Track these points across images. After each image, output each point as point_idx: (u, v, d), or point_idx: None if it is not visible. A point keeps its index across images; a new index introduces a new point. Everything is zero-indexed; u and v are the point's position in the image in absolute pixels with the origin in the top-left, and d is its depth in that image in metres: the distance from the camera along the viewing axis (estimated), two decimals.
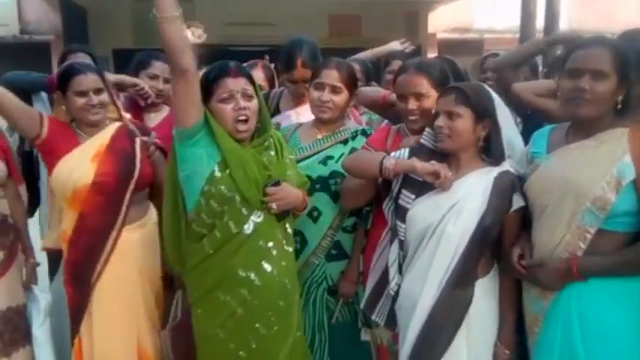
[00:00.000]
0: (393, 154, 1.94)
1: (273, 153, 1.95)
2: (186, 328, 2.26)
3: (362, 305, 2.10)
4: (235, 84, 1.84)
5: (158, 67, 2.68)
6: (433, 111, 1.88)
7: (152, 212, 2.30)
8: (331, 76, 2.17)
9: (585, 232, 1.61)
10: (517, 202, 1.78)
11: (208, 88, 1.86)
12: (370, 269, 2.10)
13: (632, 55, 1.64)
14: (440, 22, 8.92)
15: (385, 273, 1.99)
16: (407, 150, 1.94)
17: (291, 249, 1.98)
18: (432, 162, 1.82)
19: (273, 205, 1.86)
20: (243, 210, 1.85)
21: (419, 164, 1.82)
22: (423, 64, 2.07)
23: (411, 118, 2.03)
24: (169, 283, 2.34)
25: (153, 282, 2.27)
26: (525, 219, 1.80)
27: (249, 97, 1.86)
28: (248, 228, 1.86)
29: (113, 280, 2.14)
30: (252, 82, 1.90)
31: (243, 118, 1.84)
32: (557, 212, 1.66)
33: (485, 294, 1.80)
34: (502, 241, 1.83)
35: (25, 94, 2.52)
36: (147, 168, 2.22)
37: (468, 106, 1.78)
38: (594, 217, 1.60)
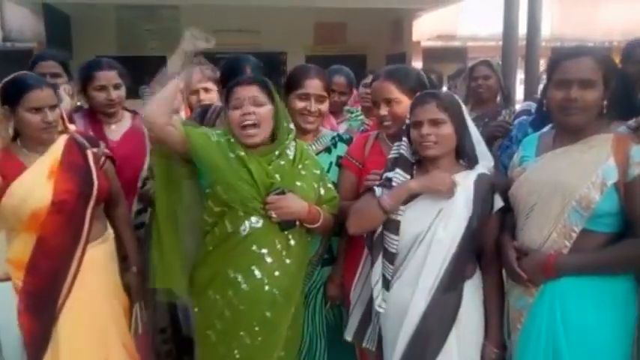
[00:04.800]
0: (369, 176, 1.96)
1: (283, 162, 1.94)
2: (146, 344, 2.24)
3: (348, 336, 2.07)
4: (246, 91, 1.89)
5: (102, 77, 2.53)
6: (407, 122, 1.88)
7: (109, 226, 2.22)
8: (315, 85, 2.18)
9: (571, 231, 1.67)
10: (498, 202, 1.83)
11: (227, 97, 1.93)
12: (353, 286, 2.05)
13: (611, 62, 1.70)
14: (424, 30, 8.99)
15: (371, 301, 1.96)
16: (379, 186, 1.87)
17: (290, 261, 1.93)
18: (432, 174, 1.81)
19: (273, 214, 1.87)
20: (240, 212, 1.88)
21: (414, 184, 1.82)
22: (392, 70, 2.11)
23: (385, 123, 2.07)
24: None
25: (119, 296, 2.19)
26: (503, 220, 1.85)
27: (259, 104, 1.89)
28: (244, 230, 1.88)
29: (81, 301, 2.04)
30: (267, 90, 1.93)
31: (248, 122, 1.87)
32: (545, 211, 1.71)
33: (472, 295, 1.83)
34: (484, 242, 1.86)
35: None
36: (103, 180, 2.13)
37: (447, 111, 1.81)
38: (579, 216, 1.65)
